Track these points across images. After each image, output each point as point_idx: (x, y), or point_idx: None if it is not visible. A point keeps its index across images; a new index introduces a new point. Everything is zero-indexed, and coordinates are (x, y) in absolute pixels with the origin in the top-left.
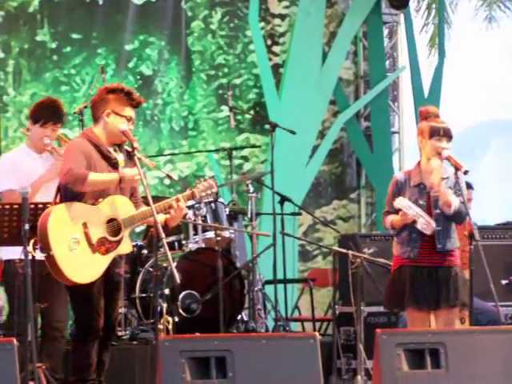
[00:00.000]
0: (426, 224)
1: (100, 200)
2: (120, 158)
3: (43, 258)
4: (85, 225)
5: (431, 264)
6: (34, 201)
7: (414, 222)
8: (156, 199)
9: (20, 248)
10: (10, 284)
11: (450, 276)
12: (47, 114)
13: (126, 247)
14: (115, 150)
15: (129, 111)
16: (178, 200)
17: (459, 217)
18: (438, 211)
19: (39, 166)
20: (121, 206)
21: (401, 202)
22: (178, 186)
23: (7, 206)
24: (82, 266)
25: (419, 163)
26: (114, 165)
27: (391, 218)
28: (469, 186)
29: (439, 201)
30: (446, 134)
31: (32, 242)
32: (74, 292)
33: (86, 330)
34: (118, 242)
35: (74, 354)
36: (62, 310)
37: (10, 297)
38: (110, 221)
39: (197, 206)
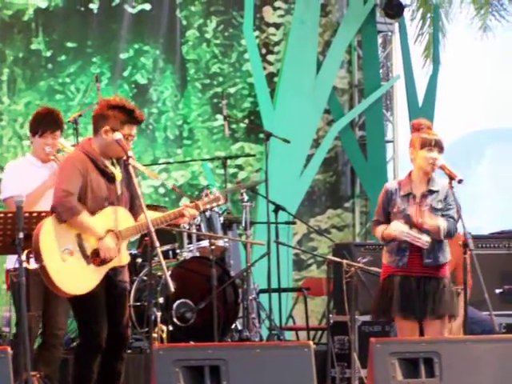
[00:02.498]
0: (423, 244)
1: (97, 211)
2: (117, 171)
3: (32, 267)
4: (79, 236)
5: (420, 274)
6: (37, 207)
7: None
8: (150, 208)
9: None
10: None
11: (438, 288)
12: (43, 124)
13: (122, 259)
14: (112, 164)
15: (127, 129)
16: (185, 207)
17: (450, 235)
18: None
19: (43, 175)
20: (119, 218)
21: (398, 228)
22: (173, 195)
23: (1, 215)
24: (75, 277)
25: (410, 173)
26: (111, 179)
27: (382, 229)
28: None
29: (433, 210)
30: (437, 145)
31: (26, 252)
32: (75, 304)
33: (88, 343)
34: None
35: (74, 366)
36: (63, 318)
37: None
38: (107, 232)
39: None
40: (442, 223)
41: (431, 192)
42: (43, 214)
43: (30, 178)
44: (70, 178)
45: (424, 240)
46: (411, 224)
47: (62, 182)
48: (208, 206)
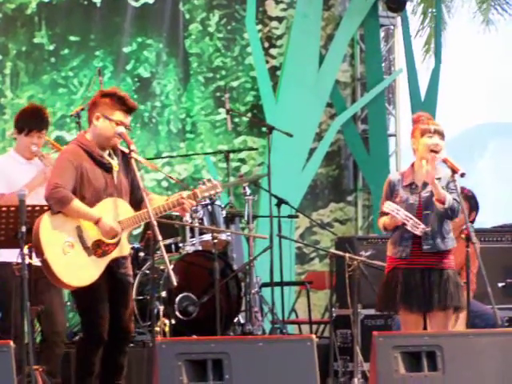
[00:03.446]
0: (415, 226)
1: (96, 203)
2: (114, 162)
3: (36, 263)
4: (78, 228)
5: (424, 266)
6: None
7: (404, 223)
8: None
9: (13, 251)
10: (1, 288)
11: (442, 279)
12: (30, 122)
13: (123, 249)
14: (109, 154)
15: (119, 115)
16: (182, 197)
17: (452, 212)
18: (427, 212)
19: (28, 171)
20: (118, 209)
21: (389, 206)
22: (176, 188)
23: (4, 209)
24: (77, 269)
25: (413, 164)
26: (107, 169)
27: (383, 219)
28: (474, 208)
29: (433, 196)
30: (437, 132)
31: (26, 247)
32: (77, 296)
33: (89, 335)
34: (115, 245)
35: (76, 360)
36: (61, 315)
37: (1, 301)
38: None
39: (194, 208)
40: (448, 196)
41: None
42: (46, 208)
43: (15, 175)
44: (62, 172)
45: (416, 222)
46: (414, 213)
47: (54, 176)
48: (206, 194)
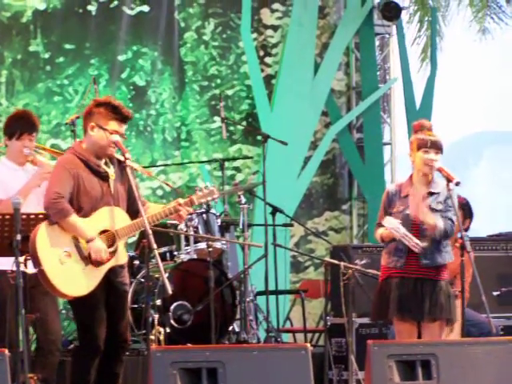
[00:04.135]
0: (413, 245)
1: (93, 212)
2: (111, 170)
3: (31, 271)
4: (75, 238)
5: (417, 275)
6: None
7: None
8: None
9: (8, 259)
10: None
11: (434, 290)
12: (20, 126)
13: (121, 258)
14: (106, 163)
15: (114, 125)
16: (179, 204)
17: (446, 236)
18: (425, 226)
19: (22, 177)
20: (115, 217)
21: (390, 224)
22: (171, 197)
23: None
24: (75, 279)
25: (411, 176)
26: (104, 178)
27: (381, 230)
28: (468, 216)
29: (425, 227)
30: (434, 146)
31: (24, 257)
32: (74, 306)
33: (86, 345)
34: (113, 253)
35: (72, 368)
36: (56, 323)
37: None
38: (103, 232)
39: (189, 216)
40: (440, 222)
41: (431, 194)
42: (41, 216)
43: (9, 181)
44: (61, 181)
45: (414, 241)
46: (410, 225)
47: (53, 185)
48: (203, 200)
